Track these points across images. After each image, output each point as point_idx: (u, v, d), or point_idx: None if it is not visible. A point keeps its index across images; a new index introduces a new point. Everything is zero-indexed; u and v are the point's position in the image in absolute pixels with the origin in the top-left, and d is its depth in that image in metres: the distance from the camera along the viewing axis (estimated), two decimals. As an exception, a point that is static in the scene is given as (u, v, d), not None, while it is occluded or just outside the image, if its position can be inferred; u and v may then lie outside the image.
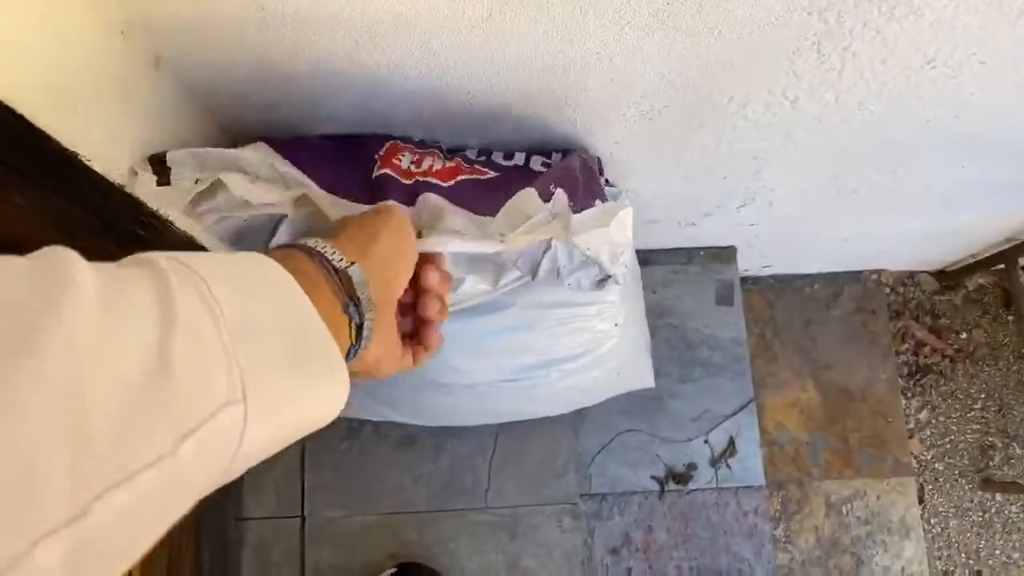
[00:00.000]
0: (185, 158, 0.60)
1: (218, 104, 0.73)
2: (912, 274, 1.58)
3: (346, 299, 0.38)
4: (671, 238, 1.25)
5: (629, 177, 0.95)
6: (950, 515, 1.49)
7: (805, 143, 0.88)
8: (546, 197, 0.67)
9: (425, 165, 0.71)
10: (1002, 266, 1.37)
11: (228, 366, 0.26)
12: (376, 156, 0.70)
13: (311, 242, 0.39)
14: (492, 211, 0.65)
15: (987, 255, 1.42)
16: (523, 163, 0.77)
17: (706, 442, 1.21)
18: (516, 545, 1.03)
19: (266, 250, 0.37)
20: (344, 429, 1.05)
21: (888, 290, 1.56)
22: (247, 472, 0.90)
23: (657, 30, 0.63)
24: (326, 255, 0.38)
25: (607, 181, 0.87)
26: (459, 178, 0.70)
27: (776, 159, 0.93)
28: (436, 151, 0.75)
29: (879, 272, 1.54)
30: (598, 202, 0.71)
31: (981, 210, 1.19)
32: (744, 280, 1.50)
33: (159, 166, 0.60)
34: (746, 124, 0.82)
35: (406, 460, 1.05)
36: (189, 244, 0.70)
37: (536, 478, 1.06)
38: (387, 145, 0.72)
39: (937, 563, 1.46)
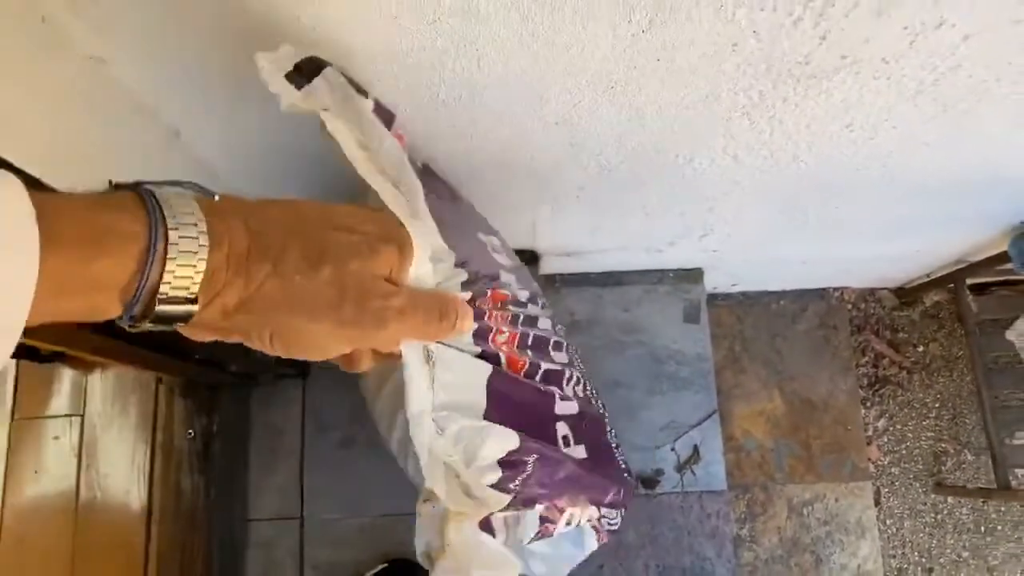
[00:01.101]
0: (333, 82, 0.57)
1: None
2: (873, 291, 1.69)
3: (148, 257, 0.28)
4: (641, 262, 1.35)
5: (594, 215, 1.06)
6: (904, 516, 1.60)
7: (751, 187, 0.98)
8: None
9: None
10: (952, 285, 1.48)
11: None
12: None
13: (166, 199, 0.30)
14: None
15: (940, 275, 1.53)
16: None
17: (673, 450, 1.32)
18: (495, 544, 1.14)
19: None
20: (340, 438, 1.16)
21: (850, 306, 1.66)
22: (253, 476, 1.01)
23: (609, 102, 0.73)
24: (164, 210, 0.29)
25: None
26: None
27: (727, 200, 1.03)
28: None
29: (842, 289, 1.65)
30: None
31: (926, 239, 1.30)
32: (714, 297, 1.61)
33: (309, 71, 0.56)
34: (694, 174, 0.93)
35: (398, 467, 1.16)
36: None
37: (513, 484, 1.17)
38: None
39: (891, 561, 1.57)
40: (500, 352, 0.57)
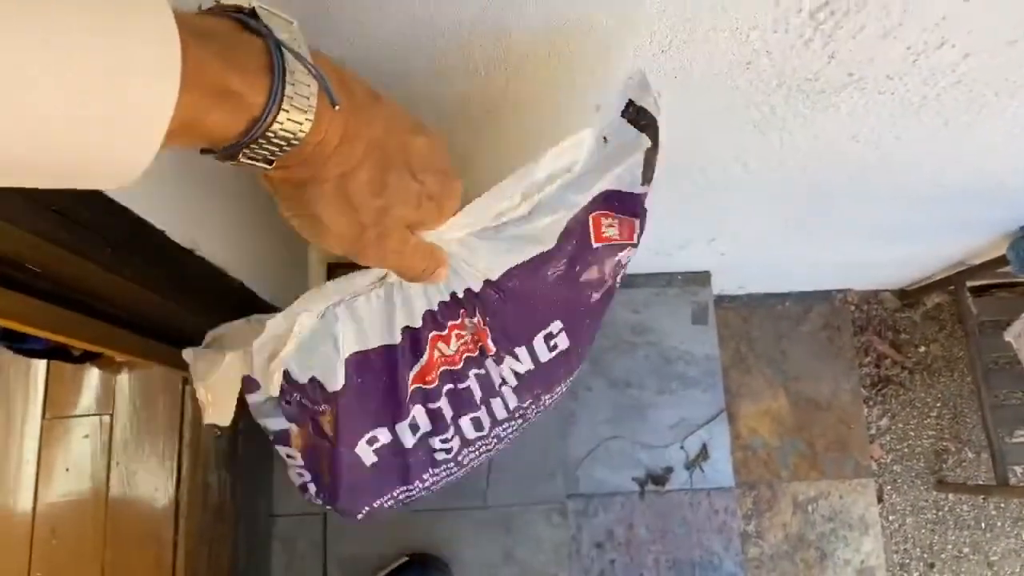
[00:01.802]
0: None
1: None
2: (876, 293, 1.73)
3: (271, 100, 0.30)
4: (651, 264, 1.39)
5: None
6: (907, 513, 1.64)
7: (760, 195, 1.02)
8: None
9: None
10: (953, 287, 1.52)
11: None
12: None
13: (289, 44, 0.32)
14: None
15: (941, 277, 1.57)
16: None
17: (682, 448, 1.36)
18: (511, 539, 1.18)
19: None
20: (361, 437, 1.20)
21: (853, 308, 1.70)
22: (277, 472, 1.02)
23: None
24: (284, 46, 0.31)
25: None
26: None
27: (736, 206, 1.07)
28: None
29: (845, 291, 1.69)
30: None
31: (928, 243, 1.34)
32: (721, 299, 1.65)
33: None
34: (706, 182, 0.96)
35: (415, 464, 1.20)
36: (242, 291, 0.84)
37: (528, 480, 1.21)
38: None
39: (894, 556, 1.61)
40: (427, 352, 0.64)
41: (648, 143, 0.60)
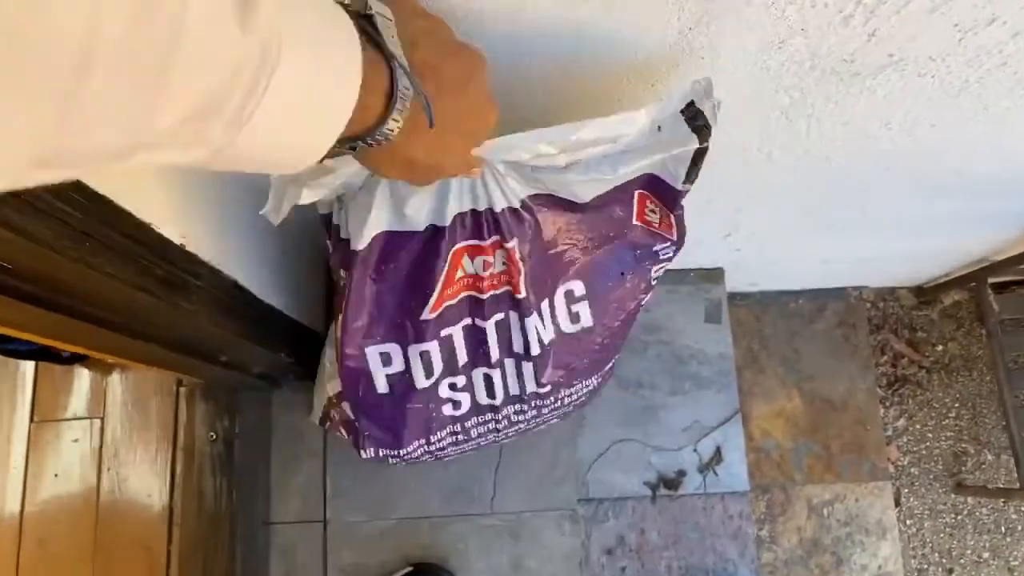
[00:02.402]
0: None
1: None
2: (892, 290, 1.68)
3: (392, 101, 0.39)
4: (663, 261, 1.34)
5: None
6: (925, 517, 1.59)
7: (780, 187, 0.98)
8: None
9: None
10: (974, 284, 1.47)
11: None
12: None
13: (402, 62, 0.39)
14: None
15: (961, 274, 1.52)
16: None
17: (695, 451, 1.31)
18: (520, 547, 1.13)
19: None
20: (363, 441, 1.15)
21: (869, 305, 1.65)
22: (275, 478, 0.99)
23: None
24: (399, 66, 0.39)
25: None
26: None
27: (756, 199, 1.02)
28: None
29: (860, 288, 1.64)
30: None
31: (950, 237, 1.29)
32: (733, 296, 1.60)
33: None
34: (727, 172, 0.91)
35: (419, 470, 1.15)
36: (236, 287, 0.79)
37: (538, 486, 1.16)
38: None
39: (912, 562, 1.56)
40: (449, 261, 0.67)
41: (698, 144, 0.62)
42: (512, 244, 0.66)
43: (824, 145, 0.85)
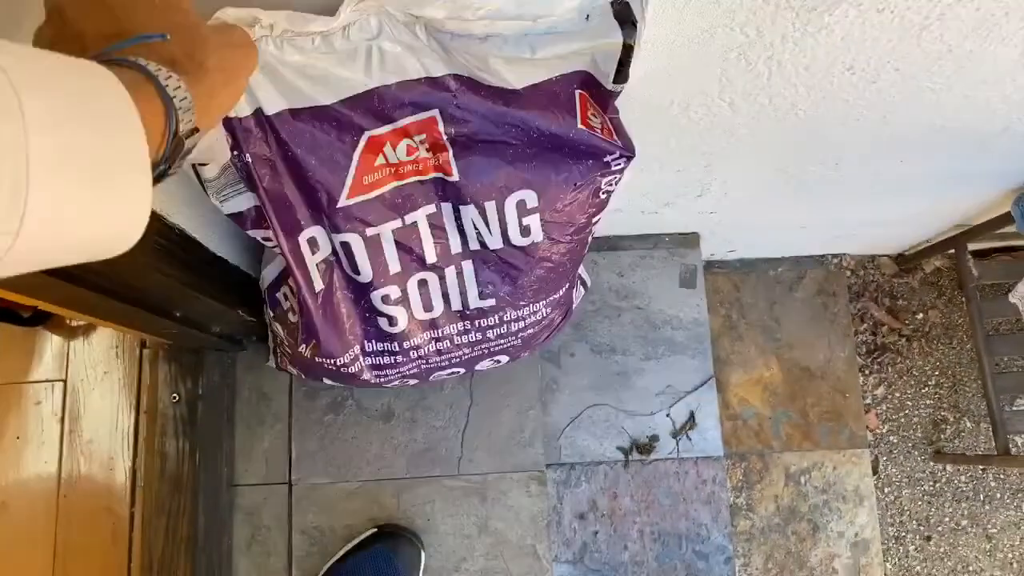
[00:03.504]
0: None
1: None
2: (873, 258, 1.66)
3: (169, 124, 0.38)
4: (637, 225, 1.32)
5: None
6: (903, 484, 1.58)
7: (748, 140, 0.95)
8: None
9: None
10: (953, 251, 1.45)
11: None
12: None
13: (151, 66, 0.38)
14: None
15: (940, 240, 1.50)
16: None
17: (668, 416, 1.30)
18: (486, 508, 1.12)
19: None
20: (328, 403, 1.14)
21: (849, 273, 1.64)
22: (239, 441, 1.00)
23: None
24: (160, 79, 0.38)
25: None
26: None
27: (723, 154, 1.00)
28: None
29: (841, 256, 1.62)
30: None
31: (928, 198, 1.27)
32: (711, 264, 1.58)
33: None
34: (689, 123, 0.89)
35: (385, 432, 1.14)
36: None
37: (505, 448, 1.15)
38: None
39: (889, 529, 1.56)
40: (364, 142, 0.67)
41: (623, 40, 0.61)
42: (433, 114, 0.66)
43: (788, 92, 0.82)
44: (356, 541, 1.08)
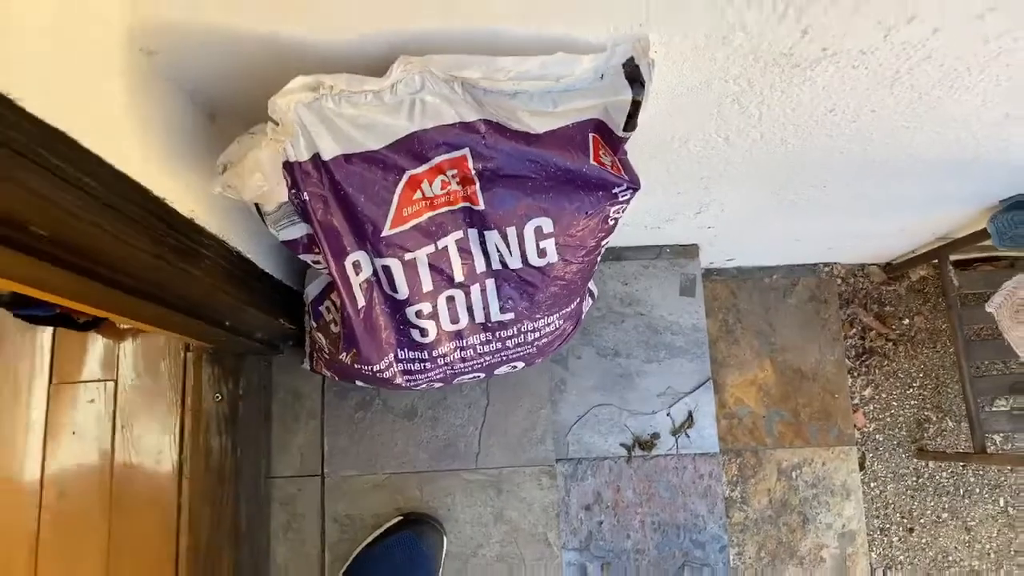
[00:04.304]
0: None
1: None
2: (862, 266, 1.76)
3: None
4: (641, 238, 1.42)
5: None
6: (888, 480, 1.69)
7: (742, 167, 1.05)
8: None
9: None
10: (936, 261, 1.55)
11: None
12: None
13: None
14: None
15: (925, 251, 1.60)
16: None
17: (668, 415, 1.40)
18: (502, 499, 1.23)
19: None
20: (357, 402, 1.25)
21: (840, 281, 1.74)
22: (275, 437, 1.11)
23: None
24: None
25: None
26: None
27: (720, 179, 1.10)
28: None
29: (832, 265, 1.72)
30: None
31: (911, 216, 1.37)
32: (710, 271, 1.69)
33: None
34: (689, 155, 0.99)
35: (409, 429, 1.24)
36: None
37: (519, 444, 1.25)
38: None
39: (875, 521, 1.66)
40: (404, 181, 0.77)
41: (634, 97, 0.70)
42: (464, 152, 0.76)
43: (777, 129, 0.92)
44: (384, 528, 1.18)
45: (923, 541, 1.67)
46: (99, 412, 1.24)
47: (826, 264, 1.71)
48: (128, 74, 0.64)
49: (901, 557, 1.66)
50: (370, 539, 1.18)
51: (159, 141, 0.70)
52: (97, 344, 1.27)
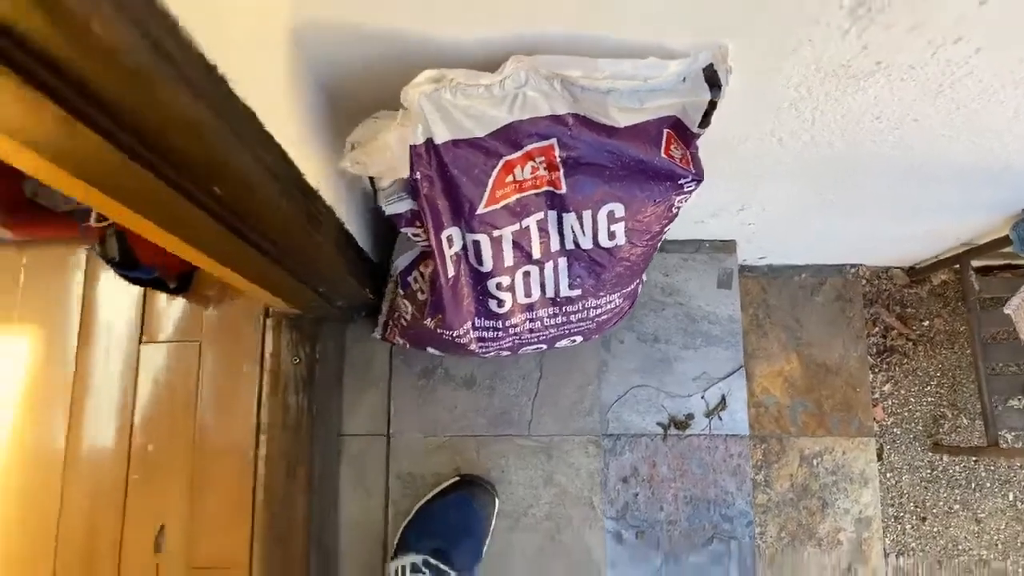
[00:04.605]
0: None
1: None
2: (887, 269, 1.86)
3: None
4: (683, 232, 1.52)
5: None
6: (903, 471, 1.79)
7: (791, 167, 1.15)
8: None
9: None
10: (958, 266, 1.65)
11: None
12: None
13: None
14: None
15: (947, 256, 1.70)
16: None
17: (703, 398, 1.50)
18: (551, 464, 1.34)
19: None
20: (421, 370, 1.36)
21: (864, 282, 1.84)
22: (347, 398, 1.23)
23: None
24: None
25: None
26: None
27: (768, 177, 1.20)
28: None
29: (858, 266, 1.82)
30: None
31: (939, 220, 1.47)
32: (743, 269, 1.79)
33: None
34: (745, 153, 1.10)
35: (468, 396, 1.35)
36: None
37: (568, 415, 1.36)
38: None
39: (889, 509, 1.76)
40: (499, 168, 0.87)
41: (711, 99, 0.81)
42: (552, 142, 0.86)
43: (827, 133, 1.02)
44: (442, 486, 1.29)
45: (934, 530, 1.77)
46: (185, 370, 1.36)
47: (852, 266, 1.81)
48: (290, 65, 0.75)
49: (913, 544, 1.76)
50: (429, 496, 1.29)
51: (302, 123, 0.81)
52: (182, 308, 1.38)
